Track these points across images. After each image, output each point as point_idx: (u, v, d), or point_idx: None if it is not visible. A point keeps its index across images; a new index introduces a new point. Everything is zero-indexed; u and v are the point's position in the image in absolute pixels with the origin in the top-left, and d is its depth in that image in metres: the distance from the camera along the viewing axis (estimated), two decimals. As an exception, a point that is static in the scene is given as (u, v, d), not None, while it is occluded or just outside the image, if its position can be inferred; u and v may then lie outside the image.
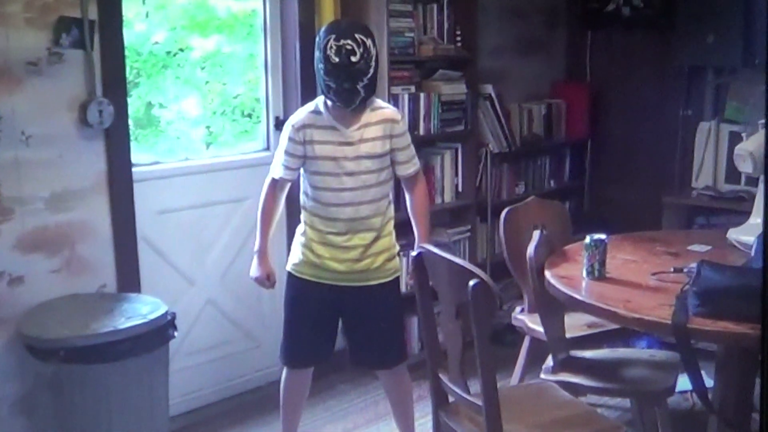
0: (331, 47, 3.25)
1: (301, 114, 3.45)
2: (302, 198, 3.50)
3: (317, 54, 3.31)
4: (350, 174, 3.37)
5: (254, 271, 3.57)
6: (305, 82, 4.31)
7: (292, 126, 3.42)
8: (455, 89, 4.88)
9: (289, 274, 3.55)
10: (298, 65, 4.34)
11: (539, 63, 5.84)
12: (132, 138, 3.92)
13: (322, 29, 3.38)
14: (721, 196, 4.97)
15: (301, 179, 3.49)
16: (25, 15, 3.35)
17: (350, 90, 3.27)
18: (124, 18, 3.72)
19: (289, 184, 3.53)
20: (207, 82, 4.40)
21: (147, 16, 4.08)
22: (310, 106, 3.46)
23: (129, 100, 3.93)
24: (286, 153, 3.43)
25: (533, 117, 5.56)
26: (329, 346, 3.61)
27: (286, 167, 3.45)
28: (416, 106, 4.67)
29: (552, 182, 5.74)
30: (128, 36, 3.86)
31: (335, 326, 3.58)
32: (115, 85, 3.66)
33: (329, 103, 3.38)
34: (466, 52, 4.93)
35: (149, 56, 4.15)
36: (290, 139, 3.41)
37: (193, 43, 4.29)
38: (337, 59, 3.24)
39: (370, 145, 3.37)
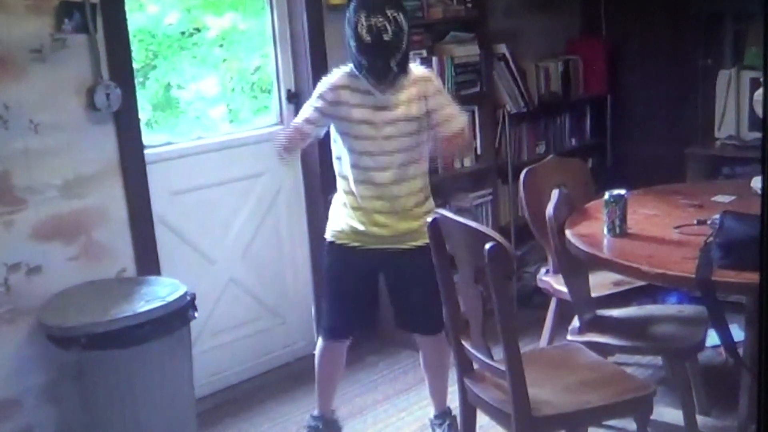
0: (362, 26, 3.18)
1: (337, 74, 3.38)
2: (338, 166, 3.43)
3: (348, 31, 3.25)
4: (388, 138, 3.30)
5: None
6: (314, 53, 4.26)
7: (329, 84, 3.34)
8: (468, 51, 4.79)
9: (330, 242, 3.48)
10: (307, 37, 4.27)
11: (553, 20, 5.72)
12: (152, 121, 3.88)
13: (352, 4, 3.27)
14: (745, 144, 4.87)
15: (335, 145, 3.42)
16: (26, 2, 3.32)
17: (383, 68, 3.22)
18: (135, 1, 3.66)
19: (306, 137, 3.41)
20: (224, 60, 4.35)
21: (159, -3, 4.04)
22: (345, 68, 3.38)
23: (147, 83, 3.89)
24: (313, 107, 3.33)
25: (550, 75, 5.45)
26: (372, 313, 3.61)
27: (306, 120, 3.34)
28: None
29: (573, 140, 5.65)
30: (141, 19, 3.83)
31: (376, 293, 3.54)
32: (122, 68, 3.61)
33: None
34: (476, 12, 4.84)
35: (164, 38, 4.11)
36: (321, 96, 3.34)
37: (208, 22, 4.24)
38: (369, 38, 3.18)
39: (405, 108, 3.32)
